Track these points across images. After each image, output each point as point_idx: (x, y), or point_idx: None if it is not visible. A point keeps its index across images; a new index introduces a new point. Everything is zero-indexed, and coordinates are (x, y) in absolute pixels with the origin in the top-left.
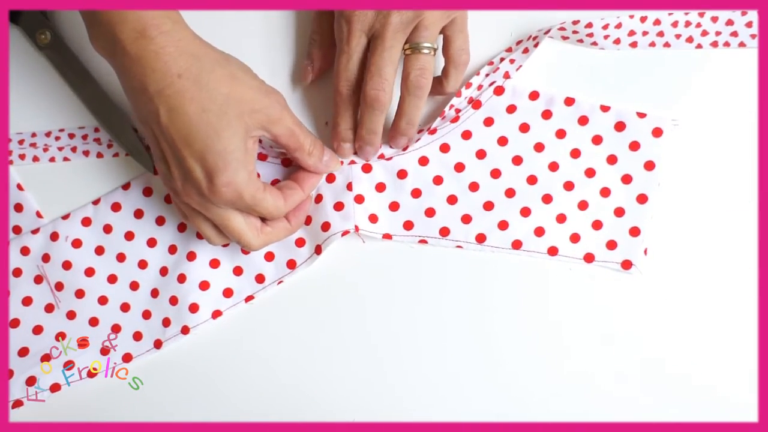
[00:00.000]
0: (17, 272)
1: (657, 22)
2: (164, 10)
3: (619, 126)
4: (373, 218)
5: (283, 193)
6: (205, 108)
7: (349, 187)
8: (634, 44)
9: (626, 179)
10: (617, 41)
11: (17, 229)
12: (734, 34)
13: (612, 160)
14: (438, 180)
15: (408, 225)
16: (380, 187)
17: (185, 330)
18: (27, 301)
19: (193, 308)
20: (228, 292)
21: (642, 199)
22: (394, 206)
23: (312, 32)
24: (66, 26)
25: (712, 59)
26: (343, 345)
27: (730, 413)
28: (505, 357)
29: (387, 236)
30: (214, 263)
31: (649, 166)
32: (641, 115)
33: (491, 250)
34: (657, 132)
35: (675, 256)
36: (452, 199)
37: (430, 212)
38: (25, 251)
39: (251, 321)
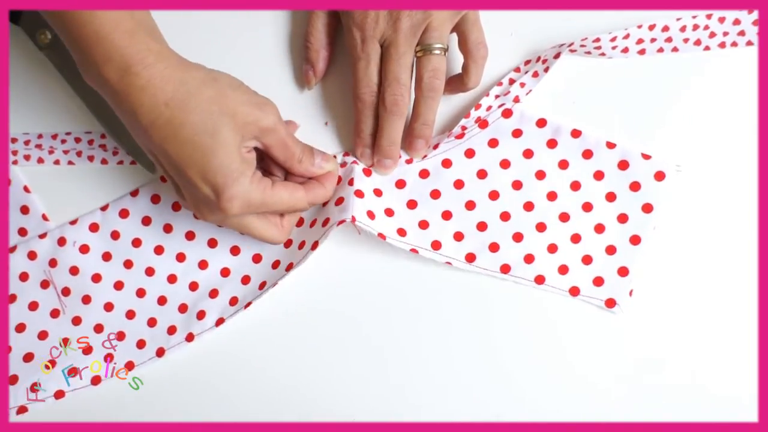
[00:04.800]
0: (24, 276)
1: (665, 28)
2: (147, 41)
3: (623, 165)
4: (370, 215)
5: (303, 186)
6: (196, 131)
7: (351, 182)
8: (642, 51)
9: (622, 218)
10: (625, 50)
11: (23, 231)
12: (741, 33)
13: (611, 197)
14: (435, 194)
15: (401, 232)
16: (377, 193)
17: (190, 337)
18: (33, 306)
19: (201, 315)
20: (233, 301)
21: (635, 240)
22: (389, 212)
23: (306, 36)
24: None
25: (714, 65)
26: (341, 346)
27: (730, 413)
28: (503, 356)
29: (381, 236)
30: (225, 272)
31: (647, 208)
32: (646, 157)
33: (480, 271)
34: (659, 175)
35: (675, 260)
36: (447, 215)
37: (423, 224)
38: (32, 256)
39: (250, 321)
